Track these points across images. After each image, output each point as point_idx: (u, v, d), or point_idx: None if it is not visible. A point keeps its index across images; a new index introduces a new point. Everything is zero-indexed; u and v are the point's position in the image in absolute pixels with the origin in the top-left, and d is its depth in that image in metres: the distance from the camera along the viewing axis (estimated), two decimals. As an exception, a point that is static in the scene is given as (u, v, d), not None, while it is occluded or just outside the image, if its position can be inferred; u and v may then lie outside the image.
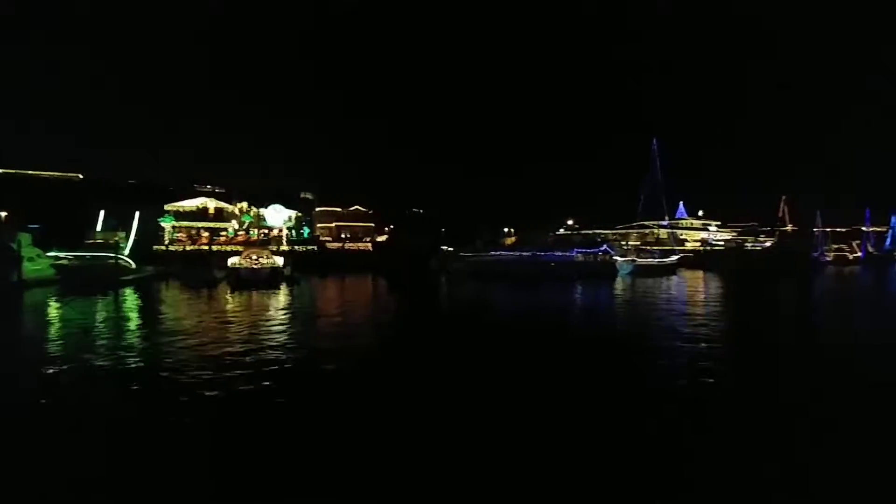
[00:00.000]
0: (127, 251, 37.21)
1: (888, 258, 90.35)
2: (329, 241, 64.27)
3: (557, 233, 79.24)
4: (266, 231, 59.68)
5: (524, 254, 39.21)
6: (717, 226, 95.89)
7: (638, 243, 69.38)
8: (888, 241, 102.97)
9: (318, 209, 72.19)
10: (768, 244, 79.83)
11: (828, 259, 77.64)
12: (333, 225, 69.98)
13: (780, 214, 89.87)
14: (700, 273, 50.65)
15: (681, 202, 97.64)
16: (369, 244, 63.19)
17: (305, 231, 68.81)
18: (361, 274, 42.93)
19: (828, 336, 15.97)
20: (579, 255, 41.32)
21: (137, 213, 40.33)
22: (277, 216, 61.27)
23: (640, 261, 45.64)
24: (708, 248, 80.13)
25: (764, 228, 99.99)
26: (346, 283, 34.74)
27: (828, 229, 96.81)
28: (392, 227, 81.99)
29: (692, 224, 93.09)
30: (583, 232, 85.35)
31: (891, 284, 41.58)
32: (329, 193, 78.90)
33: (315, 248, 59.27)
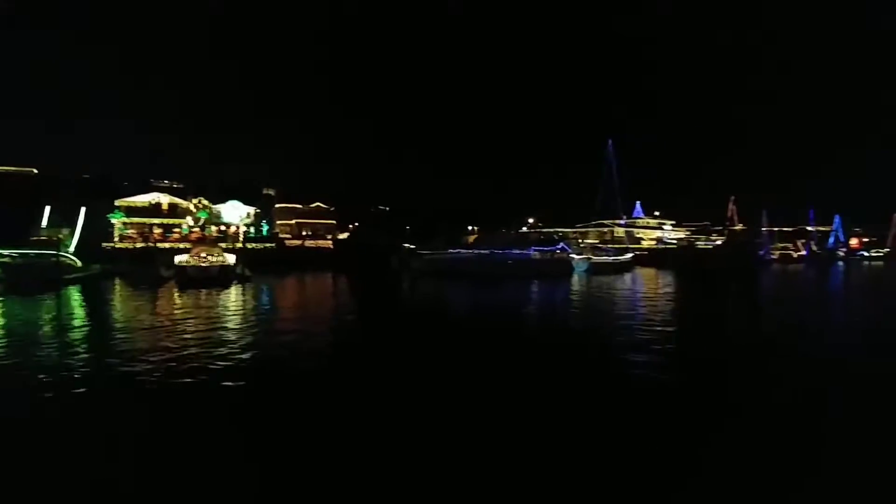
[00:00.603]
0: (72, 248, 35.96)
1: (831, 256, 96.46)
2: (288, 239, 63.42)
3: (520, 231, 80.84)
4: (223, 228, 58.42)
5: (482, 252, 39.91)
6: (671, 225, 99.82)
7: (597, 242, 71.65)
8: (831, 240, 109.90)
9: (277, 206, 71.14)
10: (718, 242, 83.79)
11: (773, 257, 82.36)
12: (294, 222, 69.07)
13: (730, 214, 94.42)
14: (653, 270, 52.87)
15: (637, 202, 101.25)
16: (330, 242, 62.75)
17: (265, 228, 67.62)
18: (321, 272, 42.75)
19: (770, 325, 17.63)
20: (536, 253, 42.28)
21: (83, 210, 39.13)
22: (234, 213, 60.03)
23: (595, 259, 47.05)
24: (663, 246, 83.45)
25: (716, 228, 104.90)
26: (303, 282, 34.56)
27: (775, 229, 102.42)
28: (357, 224, 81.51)
29: (648, 223, 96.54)
30: (545, 230, 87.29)
31: (831, 280, 44.40)
32: (291, 190, 77.87)
33: (273, 245, 58.46)
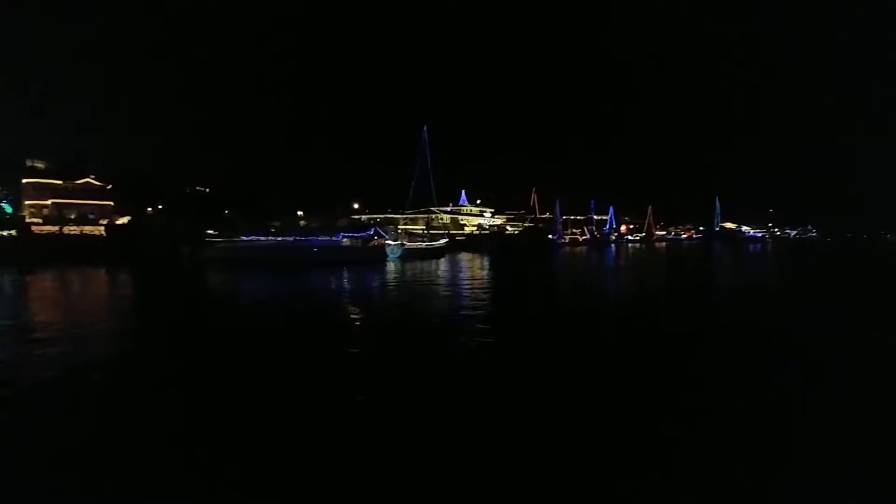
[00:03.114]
0: None
1: (606, 240, 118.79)
2: (39, 224, 49.65)
3: (351, 217, 78.84)
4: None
5: (284, 239, 36.78)
6: (491, 213, 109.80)
7: (420, 228, 74.25)
8: (607, 227, 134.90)
9: (25, 181, 54.48)
10: (522, 228, 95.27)
11: (564, 241, 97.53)
12: (50, 202, 54.12)
13: (532, 204, 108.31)
14: (469, 254, 56.93)
15: (463, 191, 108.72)
16: (102, 228, 51.00)
17: (7, 208, 52.15)
18: (78, 266, 34.04)
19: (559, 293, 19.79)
20: (346, 239, 40.87)
21: None
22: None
23: (409, 245, 47.65)
24: (481, 231, 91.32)
25: (533, 216, 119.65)
26: (49, 282, 26.70)
27: (566, 217, 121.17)
28: (157, 208, 68.01)
29: (471, 211, 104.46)
30: (374, 216, 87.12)
31: (606, 258, 54.50)
32: (63, 162, 60.23)
33: (13, 232, 45.09)
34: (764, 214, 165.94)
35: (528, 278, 30.99)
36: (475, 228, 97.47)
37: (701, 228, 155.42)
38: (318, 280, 26.48)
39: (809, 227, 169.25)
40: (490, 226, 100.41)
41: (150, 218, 62.37)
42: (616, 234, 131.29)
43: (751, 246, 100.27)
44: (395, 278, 27.93)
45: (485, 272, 33.26)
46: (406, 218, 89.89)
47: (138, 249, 43.04)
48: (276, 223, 42.62)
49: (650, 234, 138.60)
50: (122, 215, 57.56)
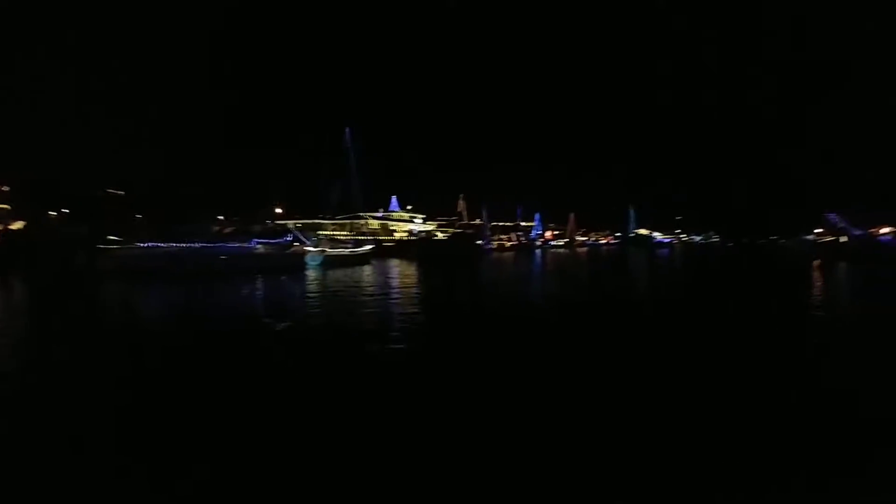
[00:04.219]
0: None
1: (532, 245, 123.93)
2: None
3: (276, 222, 74.93)
4: None
5: (190, 246, 33.86)
6: (422, 219, 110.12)
7: (348, 233, 72.55)
8: (533, 233, 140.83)
9: None
10: (449, 234, 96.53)
11: (492, 247, 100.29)
12: None
13: (459, 210, 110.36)
14: (395, 261, 56.40)
15: (394, 197, 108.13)
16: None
17: None
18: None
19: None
20: (260, 246, 38.47)
21: None
22: None
23: (330, 251, 45.77)
24: (410, 238, 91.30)
25: (461, 222, 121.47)
26: None
27: (495, 223, 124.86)
28: (62, 211, 60.59)
29: (402, 216, 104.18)
30: (300, 222, 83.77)
31: (532, 263, 56.50)
32: None
33: None
34: (673, 222, 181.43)
35: (454, 284, 31.36)
36: (406, 234, 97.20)
37: (618, 234, 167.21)
38: (223, 292, 24.58)
39: (712, 233, 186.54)
40: (420, 232, 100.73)
41: (50, 222, 55.63)
42: (542, 239, 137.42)
43: (659, 251, 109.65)
44: (313, 287, 26.68)
45: (410, 279, 33.06)
46: (335, 224, 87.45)
47: (22, 257, 38.00)
48: (187, 228, 39.46)
49: (572, 239, 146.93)
50: (18, 219, 50.97)
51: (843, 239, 72.76)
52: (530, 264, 56.37)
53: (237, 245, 36.66)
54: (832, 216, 79.55)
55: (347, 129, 57.60)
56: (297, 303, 20.73)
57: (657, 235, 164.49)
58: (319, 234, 55.14)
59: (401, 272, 39.00)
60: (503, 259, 70.12)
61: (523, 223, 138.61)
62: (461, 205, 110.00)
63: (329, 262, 42.67)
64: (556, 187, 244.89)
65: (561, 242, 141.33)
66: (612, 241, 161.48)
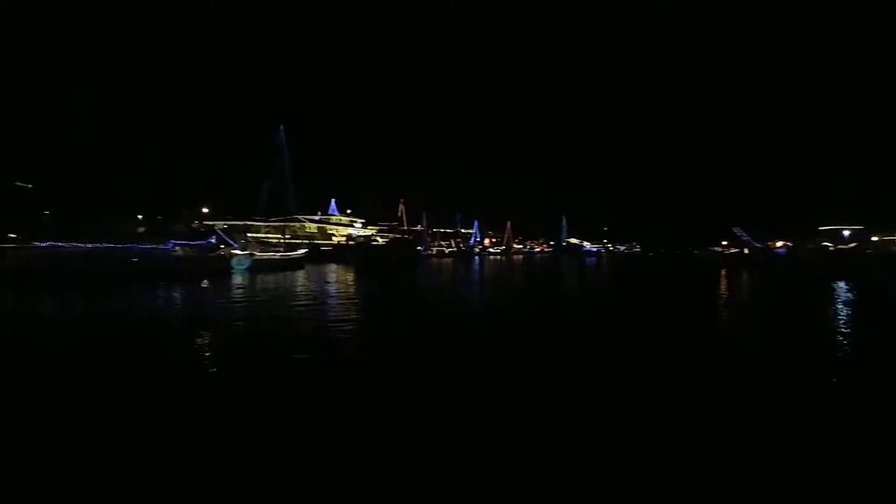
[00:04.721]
0: None
1: (471, 252, 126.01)
2: None
3: (205, 223, 69.84)
4: None
5: (99, 246, 30.64)
6: (362, 223, 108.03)
7: (288, 237, 69.45)
8: (472, 240, 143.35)
9: None
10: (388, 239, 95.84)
11: (431, 252, 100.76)
12: None
13: (399, 215, 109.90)
14: (331, 266, 54.81)
15: (333, 200, 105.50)
16: None
17: None
18: None
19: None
20: (178, 248, 35.42)
21: None
22: None
23: (259, 255, 43.14)
24: (348, 242, 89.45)
25: (402, 227, 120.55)
26: None
27: (435, 230, 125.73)
28: None
29: (340, 220, 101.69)
30: (233, 223, 79.05)
31: (469, 269, 57.39)
32: None
33: None
34: (601, 233, 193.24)
35: (390, 290, 30.98)
36: (344, 239, 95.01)
37: (551, 243, 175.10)
38: (124, 299, 22.19)
39: (635, 243, 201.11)
40: (359, 236, 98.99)
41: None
42: (480, 246, 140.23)
43: (587, 259, 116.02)
44: (235, 295, 24.47)
45: (343, 285, 32.13)
46: (269, 226, 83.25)
47: None
48: (95, 227, 35.67)
49: (509, 247, 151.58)
50: None
51: (746, 250, 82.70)
52: (468, 270, 57.21)
53: (151, 246, 33.45)
54: (738, 230, 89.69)
55: (281, 127, 54.16)
56: (210, 311, 18.83)
57: (587, 245, 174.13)
58: (248, 237, 51.93)
59: (335, 278, 37.82)
60: (442, 265, 70.66)
61: (463, 230, 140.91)
62: (401, 209, 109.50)
63: (258, 267, 40.10)
64: (494, 196, 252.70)
65: (498, 250, 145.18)
66: (547, 250, 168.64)
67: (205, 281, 29.47)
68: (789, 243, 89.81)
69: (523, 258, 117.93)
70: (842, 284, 32.37)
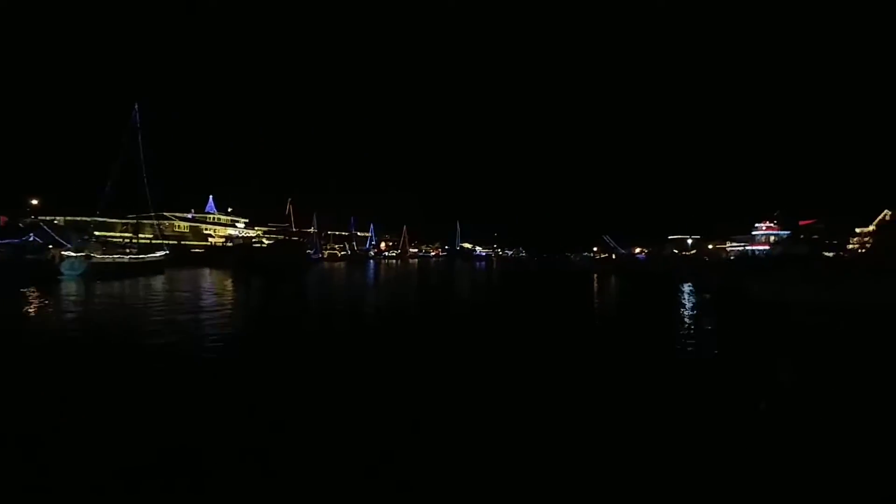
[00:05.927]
0: None
1: (366, 256, 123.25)
2: None
3: (39, 218, 57.12)
4: None
5: None
6: (245, 222, 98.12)
7: (151, 237, 59.96)
8: (367, 243, 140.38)
9: None
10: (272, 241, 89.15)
11: (322, 256, 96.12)
12: None
13: (287, 214, 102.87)
14: (202, 270, 48.82)
15: (210, 196, 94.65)
16: None
17: None
18: None
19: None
20: None
21: None
22: None
23: (100, 258, 35.64)
24: (226, 244, 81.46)
25: (291, 229, 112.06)
26: None
27: (330, 232, 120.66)
28: None
29: (219, 219, 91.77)
30: (75, 218, 66.55)
31: (363, 273, 54.85)
32: None
33: None
34: (491, 238, 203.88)
35: (263, 299, 27.80)
36: (224, 240, 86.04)
37: (446, 247, 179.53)
38: None
39: (520, 248, 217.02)
40: (241, 237, 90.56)
41: None
42: (375, 250, 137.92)
43: (477, 262, 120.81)
44: (55, 309, 19.54)
45: (208, 294, 27.34)
46: (125, 224, 71.24)
47: None
48: None
49: (405, 250, 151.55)
50: None
51: (614, 255, 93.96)
52: (361, 274, 55.15)
53: None
54: (607, 238, 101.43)
55: (136, 105, 43.94)
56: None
57: (479, 249, 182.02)
58: (94, 236, 43.20)
59: (204, 285, 32.69)
60: (333, 269, 67.39)
61: (360, 233, 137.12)
62: (289, 209, 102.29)
63: (98, 272, 33.33)
64: (392, 202, 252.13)
65: (394, 253, 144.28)
66: (441, 254, 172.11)
67: (22, 289, 23.51)
68: (647, 249, 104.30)
69: (419, 262, 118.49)
70: (686, 286, 37.25)
